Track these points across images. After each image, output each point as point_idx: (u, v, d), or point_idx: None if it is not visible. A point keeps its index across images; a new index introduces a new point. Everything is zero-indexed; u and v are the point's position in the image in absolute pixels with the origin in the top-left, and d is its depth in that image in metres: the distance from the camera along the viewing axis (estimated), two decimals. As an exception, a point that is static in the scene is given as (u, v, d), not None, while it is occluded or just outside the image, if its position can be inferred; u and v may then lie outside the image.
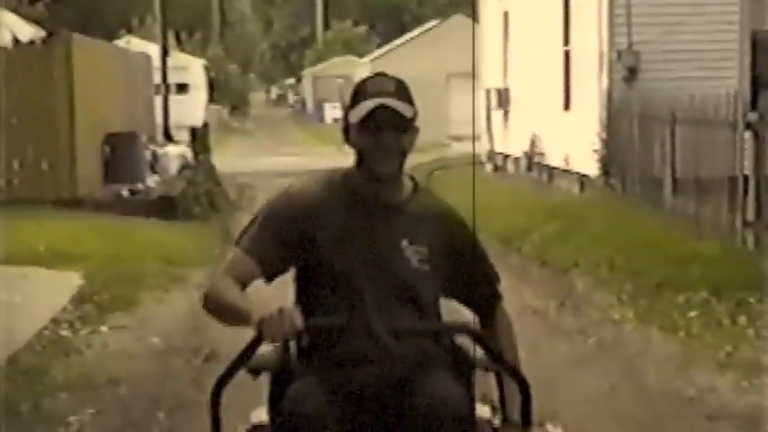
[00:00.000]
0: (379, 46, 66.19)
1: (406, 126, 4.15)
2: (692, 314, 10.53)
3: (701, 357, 9.19)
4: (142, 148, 22.50)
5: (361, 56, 66.22)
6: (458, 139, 38.97)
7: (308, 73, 79.04)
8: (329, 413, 3.94)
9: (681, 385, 8.56)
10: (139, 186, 20.61)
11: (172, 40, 37.81)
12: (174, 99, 32.63)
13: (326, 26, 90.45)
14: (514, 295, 12.44)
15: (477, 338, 4.06)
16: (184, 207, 19.74)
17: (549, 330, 10.82)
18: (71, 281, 12.54)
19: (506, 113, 26.23)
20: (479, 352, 4.10)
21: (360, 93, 4.18)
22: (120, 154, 20.90)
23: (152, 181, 21.69)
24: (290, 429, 3.95)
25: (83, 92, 19.59)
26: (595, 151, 19.05)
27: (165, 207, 19.27)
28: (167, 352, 9.85)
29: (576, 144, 20.01)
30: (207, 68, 49.62)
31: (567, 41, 21.63)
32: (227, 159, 30.79)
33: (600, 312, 11.36)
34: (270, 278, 4.20)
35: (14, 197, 18.24)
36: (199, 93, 45.66)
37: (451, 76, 44.52)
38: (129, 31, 45.05)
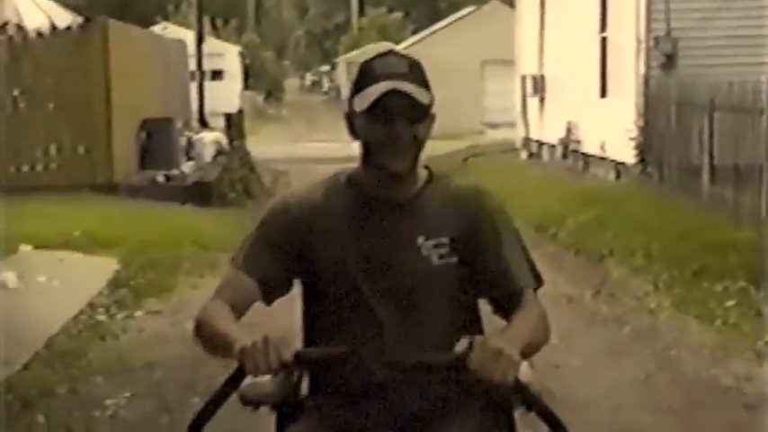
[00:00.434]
0: (414, 32, 66.18)
1: (421, 114, 3.50)
2: (730, 303, 10.48)
3: (738, 347, 9.15)
4: (178, 134, 22.56)
5: (396, 42, 66.12)
6: (493, 126, 38.94)
7: (342, 60, 79.02)
8: None
9: (718, 374, 8.52)
10: (175, 172, 20.66)
11: (207, 27, 37.92)
12: (210, 85, 32.73)
13: (361, 12, 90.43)
14: (549, 283, 12.39)
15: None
16: (219, 193, 19.79)
17: (584, 318, 10.79)
18: (107, 266, 12.60)
19: (542, 100, 26.16)
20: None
21: (366, 75, 3.53)
22: (156, 140, 20.97)
23: (187, 167, 21.73)
24: None
25: (119, 78, 19.64)
26: (632, 139, 18.98)
27: (200, 193, 19.33)
28: (201, 337, 9.86)
29: (612, 131, 19.95)
30: (242, 55, 49.76)
31: (603, 28, 21.56)
32: (262, 145, 30.82)
33: (636, 300, 11.33)
34: (269, 299, 3.68)
35: (52, 182, 18.34)
36: (234, 79, 45.82)
37: (486, 62, 44.48)
38: (165, 17, 45.21)
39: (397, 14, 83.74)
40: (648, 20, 18.85)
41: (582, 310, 11.16)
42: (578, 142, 22.79)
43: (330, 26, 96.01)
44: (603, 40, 21.56)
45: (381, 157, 3.52)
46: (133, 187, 19.01)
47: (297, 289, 3.72)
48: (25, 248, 13.21)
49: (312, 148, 35.16)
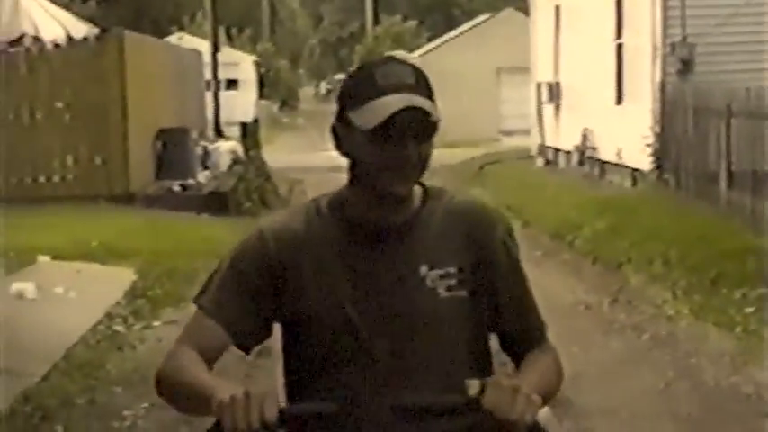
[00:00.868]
0: (429, 40, 66.19)
1: (431, 132, 3.00)
2: (749, 310, 10.46)
3: (758, 354, 9.12)
4: (193, 143, 22.60)
5: (411, 51, 66.14)
6: (509, 133, 38.93)
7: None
8: None
9: (738, 382, 8.50)
10: (191, 182, 20.70)
11: (222, 37, 38.00)
12: (225, 95, 32.82)
13: (376, 21, 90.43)
14: (567, 291, 12.45)
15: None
16: (235, 202, 19.81)
17: (602, 326, 10.78)
18: (124, 276, 12.62)
19: (557, 108, 26.15)
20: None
21: (366, 85, 3.00)
22: (172, 149, 21.01)
23: (203, 176, 21.77)
24: None
25: (135, 88, 19.68)
26: (648, 145, 18.97)
27: (216, 203, 19.35)
28: (219, 347, 9.87)
29: (628, 138, 19.95)
30: (257, 64, 49.79)
31: (619, 34, 21.55)
32: (278, 154, 30.83)
33: (654, 308, 11.31)
34: (244, 347, 3.17)
35: (69, 193, 18.38)
36: (249, 88, 45.85)
37: (502, 70, 44.44)
38: (181, 27, 45.31)
39: (412, 22, 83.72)
40: (664, 26, 18.84)
41: (600, 318, 11.14)
42: (594, 149, 22.78)
43: (345, 34, 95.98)
44: (619, 47, 21.56)
45: (384, 181, 3.01)
46: (149, 197, 19.05)
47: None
48: (43, 259, 13.24)
49: (327, 156, 34.92)
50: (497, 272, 3.14)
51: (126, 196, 18.63)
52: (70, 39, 21.46)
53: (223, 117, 29.88)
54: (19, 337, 9.61)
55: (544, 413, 2.98)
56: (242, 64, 45.36)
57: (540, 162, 27.02)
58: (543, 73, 27.34)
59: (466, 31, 55.41)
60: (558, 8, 26.24)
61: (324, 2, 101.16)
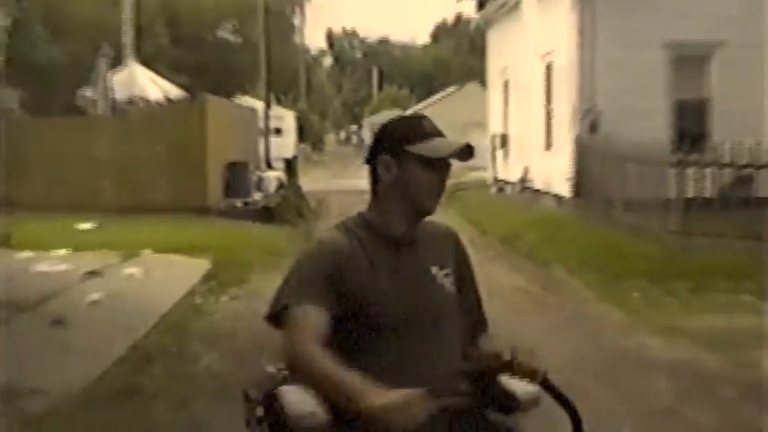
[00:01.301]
0: (417, 102, 66.29)
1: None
2: (636, 295, 10.52)
3: (641, 325, 9.19)
4: (251, 173, 22.64)
5: (404, 109, 66.31)
6: (472, 168, 38.86)
7: (366, 121, 79.20)
8: None
9: (627, 343, 8.57)
10: (248, 200, 20.74)
11: (272, 98, 37.96)
12: (273, 140, 32.78)
13: (380, 89, 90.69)
14: (511, 280, 12.49)
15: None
16: (280, 215, 19.84)
17: (535, 305, 10.83)
18: (201, 265, 12.67)
19: (506, 151, 26.19)
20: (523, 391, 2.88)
21: (419, 129, 2.96)
22: (236, 177, 21.04)
23: (258, 196, 21.81)
24: None
25: (212, 134, 19.76)
26: (568, 179, 19.00)
27: (266, 215, 19.36)
28: (268, 316, 9.89)
29: (554, 174, 19.98)
30: (297, 118, 49.76)
31: (549, 102, 21.59)
32: (309, 181, 30.89)
33: (571, 293, 11.35)
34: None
35: (164, 207, 18.46)
36: (290, 135, 45.79)
37: (467, 124, 44.55)
38: (244, 92, 45.24)
39: (405, 90, 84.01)
40: (580, 97, 18.87)
41: (534, 300, 11.19)
42: (531, 181, 22.81)
43: (358, 98, 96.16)
44: (549, 111, 21.59)
45: (424, 200, 2.91)
46: (220, 210, 19.08)
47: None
48: (146, 252, 13.32)
49: (344, 183, 35.21)
50: (467, 273, 3.08)
51: (203, 209, 18.68)
52: (169, 100, 21.62)
53: (272, 154, 29.88)
54: (130, 305, 9.69)
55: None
56: (286, 117, 45.31)
57: (493, 190, 27.03)
58: (496, 127, 27.39)
59: (443, 97, 55.68)
60: (506, 83, 26.32)
61: (344, 76, 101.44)
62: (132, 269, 11.76)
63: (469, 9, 60.55)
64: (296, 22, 60.20)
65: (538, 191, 22.11)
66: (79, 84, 23.07)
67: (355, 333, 2.82)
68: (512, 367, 2.79)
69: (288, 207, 21.07)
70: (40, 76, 35.19)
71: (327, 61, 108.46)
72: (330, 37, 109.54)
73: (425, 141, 2.91)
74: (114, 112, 20.77)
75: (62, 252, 13.14)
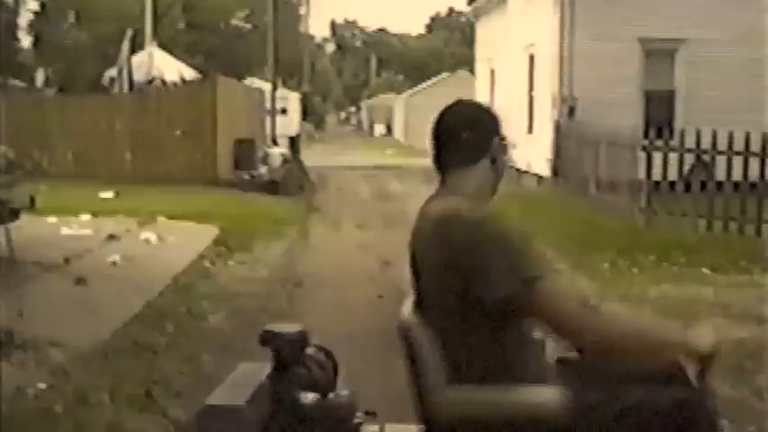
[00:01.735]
0: (410, 88, 66.12)
1: None
2: (605, 266, 10.58)
3: (609, 293, 9.24)
4: (257, 148, 22.66)
5: (399, 93, 66.18)
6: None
7: (364, 104, 79.06)
8: None
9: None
10: (255, 173, 20.77)
11: (279, 81, 37.87)
12: (279, 118, 32.74)
13: (378, 74, 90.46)
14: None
15: None
16: (284, 187, 19.88)
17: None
18: (211, 231, 12.70)
19: (491, 134, 26.17)
20: None
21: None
22: (244, 152, 21.07)
23: (264, 170, 21.84)
24: None
25: (222, 112, 19.78)
26: (548, 160, 19.07)
27: (272, 187, 19.40)
28: (270, 279, 9.92)
29: (535, 155, 20.04)
30: (301, 99, 49.69)
31: (531, 89, 21.63)
32: (311, 157, 30.84)
33: (548, 263, 11.38)
34: None
35: (178, 178, 18.50)
36: (295, 115, 45.69)
37: (456, 109, 44.50)
38: (252, 74, 45.11)
39: (400, 76, 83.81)
40: (560, 85, 18.93)
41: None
42: (514, 161, 22.82)
43: (357, 82, 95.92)
44: (531, 97, 21.64)
45: (503, 169, 2.95)
46: (229, 182, 19.12)
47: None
48: (161, 219, 13.36)
49: (342, 160, 35.21)
50: None
51: (214, 181, 18.73)
52: (183, 80, 21.58)
53: (277, 132, 29.83)
54: (146, 267, 9.74)
55: None
56: (290, 98, 45.17)
57: (478, 168, 27.01)
58: (482, 112, 27.34)
59: (434, 83, 55.50)
60: (492, 71, 26.29)
61: (344, 62, 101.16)
62: (148, 234, 11.79)
63: (461, 3, 60.50)
64: (302, 11, 60.01)
65: (520, 170, 22.17)
66: (103, 64, 23.03)
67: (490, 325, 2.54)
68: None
69: (291, 180, 21.09)
70: (66, 57, 35.09)
71: (330, 48, 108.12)
72: (333, 26, 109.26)
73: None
74: (134, 91, 20.76)
75: (85, 218, 13.18)
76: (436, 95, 50.24)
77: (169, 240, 11.66)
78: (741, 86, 17.94)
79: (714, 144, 12.93)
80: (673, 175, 13.22)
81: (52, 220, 12.60)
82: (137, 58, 21.85)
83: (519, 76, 22.41)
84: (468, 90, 34.70)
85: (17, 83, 30.11)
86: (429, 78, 62.14)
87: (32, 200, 9.66)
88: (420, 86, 59.44)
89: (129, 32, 21.16)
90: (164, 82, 21.58)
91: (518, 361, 2.50)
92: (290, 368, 2.63)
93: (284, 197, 18.70)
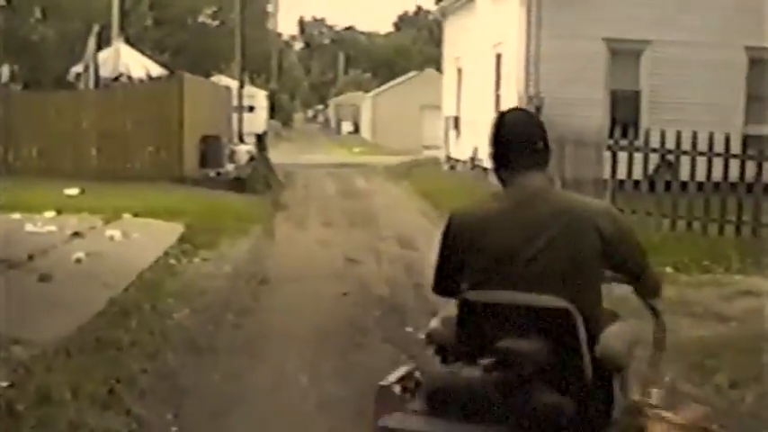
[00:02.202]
0: (378, 86, 66.13)
1: None
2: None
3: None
4: (224, 145, 22.58)
5: (366, 92, 66.17)
6: (427, 147, 39.02)
7: (332, 102, 79.00)
8: None
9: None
10: (221, 170, 20.70)
11: (246, 78, 37.73)
12: (246, 116, 32.65)
13: (346, 72, 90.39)
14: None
15: None
16: (250, 185, 19.82)
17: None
18: (176, 229, 12.63)
19: (458, 132, 26.25)
20: None
21: None
22: (210, 149, 20.99)
23: (230, 167, 21.78)
24: None
25: (189, 109, 19.67)
26: (513, 159, 19.10)
27: (238, 184, 19.33)
28: (235, 276, 9.91)
29: (501, 154, 20.06)
30: (268, 97, 49.52)
31: (498, 88, 21.67)
32: (278, 155, 30.75)
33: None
34: None
35: (144, 175, 18.40)
36: (262, 112, 45.61)
37: (424, 107, 44.61)
38: (220, 71, 44.95)
39: (368, 74, 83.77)
40: (526, 84, 19.01)
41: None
42: (481, 160, 22.90)
43: (325, 80, 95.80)
44: (498, 96, 21.68)
45: None
46: (195, 179, 19.02)
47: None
48: (126, 216, 13.27)
49: (310, 158, 35.18)
50: None
51: (180, 178, 18.63)
52: (150, 77, 21.46)
53: (244, 129, 29.76)
54: (111, 264, 9.66)
55: None
56: (258, 96, 45.11)
57: (446, 167, 27.12)
58: (449, 110, 27.42)
59: (402, 81, 55.48)
60: (460, 70, 26.35)
61: (312, 59, 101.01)
62: (113, 231, 11.70)
63: (429, 2, 60.61)
64: (270, 9, 59.82)
65: (486, 169, 22.22)
66: (69, 60, 22.84)
67: None
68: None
69: (257, 178, 21.03)
70: (32, 53, 34.75)
71: (298, 46, 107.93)
72: (301, 24, 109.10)
73: None
74: (100, 88, 20.61)
75: (49, 214, 13.06)
76: (404, 94, 50.45)
77: (134, 237, 11.57)
78: (705, 87, 18.14)
79: (678, 144, 13.01)
80: (637, 174, 13.28)
81: (16, 216, 12.47)
82: (103, 55, 21.69)
83: (486, 75, 22.47)
84: (435, 89, 34.89)
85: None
86: (397, 77, 62.14)
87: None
88: (387, 85, 59.43)
89: (96, 28, 21.00)
90: (130, 78, 21.43)
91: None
92: None
93: (251, 195, 18.62)
